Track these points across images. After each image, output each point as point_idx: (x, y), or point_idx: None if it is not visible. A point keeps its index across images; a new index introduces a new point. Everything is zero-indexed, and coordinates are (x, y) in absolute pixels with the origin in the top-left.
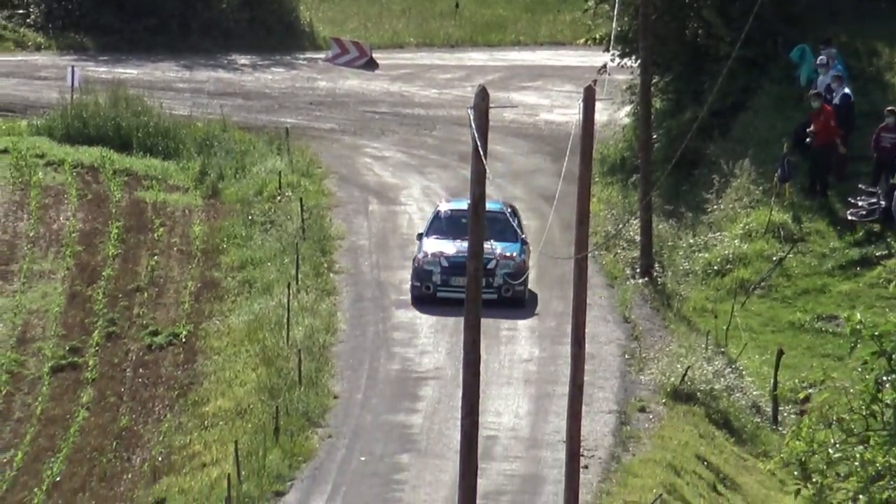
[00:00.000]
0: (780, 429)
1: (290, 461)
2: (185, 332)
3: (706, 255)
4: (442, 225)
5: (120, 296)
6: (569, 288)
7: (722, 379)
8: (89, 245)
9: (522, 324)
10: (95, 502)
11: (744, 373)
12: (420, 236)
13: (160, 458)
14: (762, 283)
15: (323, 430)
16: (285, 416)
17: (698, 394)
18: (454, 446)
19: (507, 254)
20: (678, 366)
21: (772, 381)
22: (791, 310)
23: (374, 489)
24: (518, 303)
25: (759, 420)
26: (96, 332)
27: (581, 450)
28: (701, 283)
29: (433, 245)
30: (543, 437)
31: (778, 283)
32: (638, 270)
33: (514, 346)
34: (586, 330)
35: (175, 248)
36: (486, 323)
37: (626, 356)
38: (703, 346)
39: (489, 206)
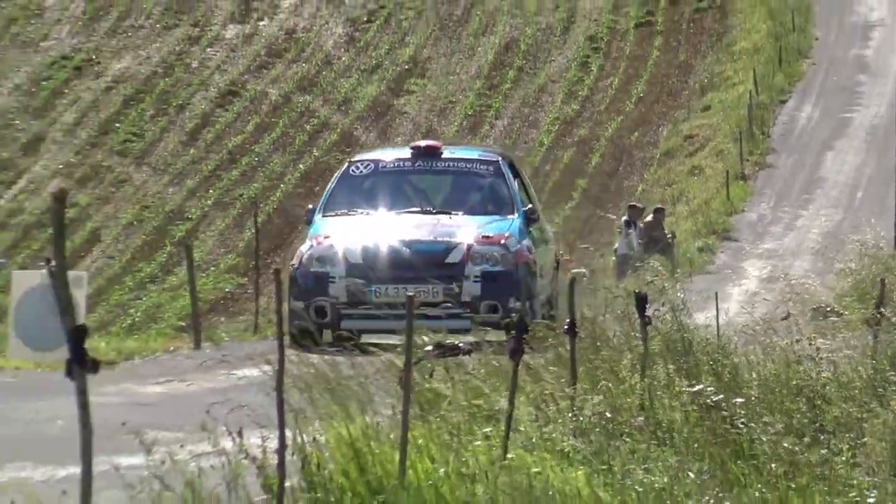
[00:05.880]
0: None
1: (789, 81)
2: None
3: None
4: (352, 192)
5: None
6: None
7: None
8: None
9: None
10: (665, 109)
11: None
12: (310, 214)
13: (706, 80)
14: None
15: (808, 61)
16: (785, 51)
17: None
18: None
19: (488, 235)
20: None
21: None
22: None
23: (842, 98)
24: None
25: None
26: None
27: None
28: None
29: (334, 228)
30: None
31: None
32: None
33: None
34: None
35: None
36: None
37: None
38: None
39: (454, 152)
